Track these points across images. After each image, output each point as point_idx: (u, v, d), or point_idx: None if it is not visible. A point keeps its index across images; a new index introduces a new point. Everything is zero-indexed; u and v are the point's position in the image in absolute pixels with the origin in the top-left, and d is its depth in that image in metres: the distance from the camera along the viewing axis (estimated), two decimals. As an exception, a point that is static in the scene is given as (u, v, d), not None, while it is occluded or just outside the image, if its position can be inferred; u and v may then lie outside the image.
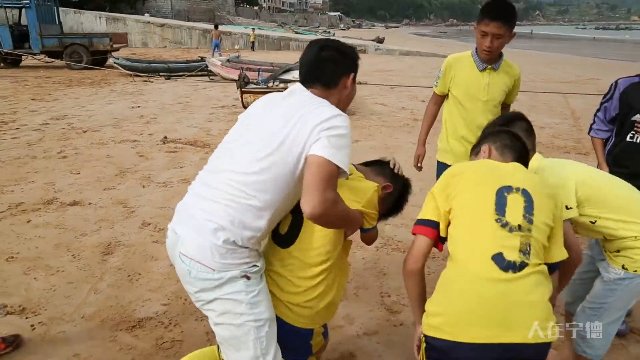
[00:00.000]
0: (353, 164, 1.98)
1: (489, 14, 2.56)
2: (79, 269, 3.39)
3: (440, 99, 3.03)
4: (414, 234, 1.73)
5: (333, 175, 1.51)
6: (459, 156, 2.91)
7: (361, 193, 1.80)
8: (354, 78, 1.80)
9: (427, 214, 1.71)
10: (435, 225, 1.68)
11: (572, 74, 18.92)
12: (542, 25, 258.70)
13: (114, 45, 18.29)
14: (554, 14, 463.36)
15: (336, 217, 1.57)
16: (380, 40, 35.27)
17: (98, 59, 17.72)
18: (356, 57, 1.82)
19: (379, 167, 2.01)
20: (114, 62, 15.81)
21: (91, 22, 32.02)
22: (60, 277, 3.29)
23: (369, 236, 1.90)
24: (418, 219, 1.73)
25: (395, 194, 1.98)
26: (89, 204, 4.62)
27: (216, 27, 23.31)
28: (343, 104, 1.78)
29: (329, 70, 1.73)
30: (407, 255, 1.72)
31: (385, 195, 1.92)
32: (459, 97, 2.84)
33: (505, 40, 2.61)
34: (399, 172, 2.03)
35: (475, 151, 1.93)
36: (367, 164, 2.05)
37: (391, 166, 2.03)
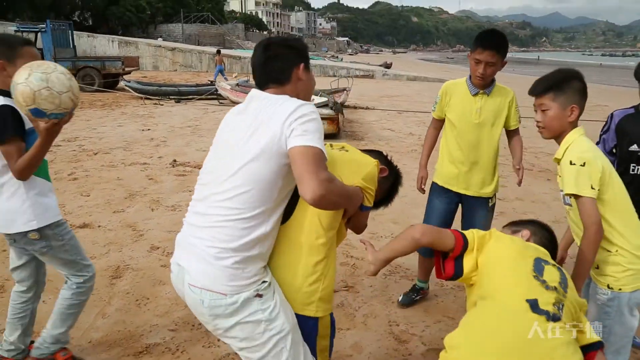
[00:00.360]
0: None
1: (483, 43, 2.74)
2: (87, 293, 3.39)
3: (439, 123, 3.19)
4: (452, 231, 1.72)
5: (319, 157, 1.50)
6: (451, 177, 3.07)
7: (362, 166, 1.79)
8: (306, 67, 1.78)
9: (466, 235, 1.71)
10: (466, 242, 1.66)
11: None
12: (548, 51, 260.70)
13: (126, 69, 18.65)
14: (560, 41, 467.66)
15: (337, 195, 1.55)
16: (387, 66, 35.65)
17: (110, 82, 18.01)
18: (302, 46, 1.81)
19: (374, 154, 1.98)
20: (125, 85, 16.08)
21: (104, 45, 32.66)
22: (69, 300, 3.29)
23: (363, 219, 1.85)
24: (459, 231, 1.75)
25: (390, 181, 1.96)
26: (99, 226, 4.65)
27: (218, 52, 23.62)
28: (302, 96, 1.75)
29: (277, 67, 1.73)
30: (427, 227, 1.71)
31: (380, 180, 1.89)
32: (453, 120, 2.99)
33: (497, 67, 2.79)
34: (392, 162, 2.03)
35: (513, 229, 1.92)
36: (362, 151, 2.03)
37: (385, 154, 2.03)
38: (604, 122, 2.79)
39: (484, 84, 2.87)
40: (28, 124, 2.25)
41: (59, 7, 44.72)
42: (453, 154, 3.02)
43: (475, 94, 2.90)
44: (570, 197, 1.95)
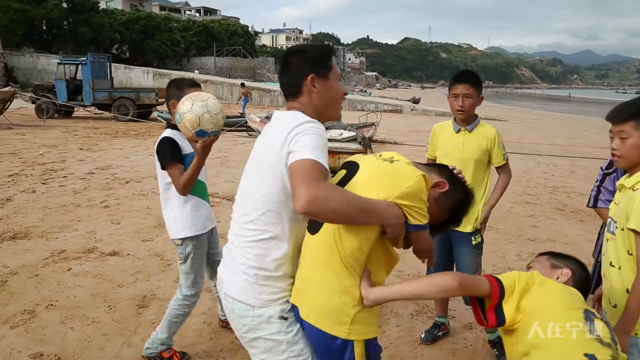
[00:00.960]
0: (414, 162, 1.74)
1: (457, 79, 3.01)
2: (114, 321, 3.43)
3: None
4: (486, 277, 1.60)
5: (311, 167, 1.44)
6: None
7: (401, 180, 1.54)
8: (320, 76, 1.69)
9: (504, 279, 1.59)
10: (502, 288, 1.56)
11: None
12: (580, 88, 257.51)
13: (159, 99, 19.22)
14: (592, 78, 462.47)
15: (335, 202, 1.40)
16: (416, 101, 35.75)
17: (143, 112, 18.58)
18: (317, 54, 1.71)
19: (436, 167, 1.77)
20: (158, 115, 16.55)
21: (139, 77, 33.86)
22: (96, 328, 3.33)
23: (420, 239, 1.60)
24: (496, 277, 1.61)
25: (454, 197, 1.68)
26: (128, 254, 4.72)
27: (242, 85, 24.20)
28: (321, 108, 1.71)
29: (288, 80, 1.72)
30: (464, 276, 1.56)
31: (440, 196, 1.65)
32: (440, 157, 3.16)
33: (474, 100, 2.99)
34: (460, 178, 1.75)
35: (553, 263, 1.85)
36: (424, 164, 1.79)
37: (451, 168, 1.77)
38: (608, 162, 2.76)
39: (465, 118, 3.03)
40: (186, 150, 2.73)
41: (100, 41, 46.68)
42: None
43: (458, 131, 3.08)
44: (622, 229, 1.90)
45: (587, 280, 1.83)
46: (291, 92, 1.71)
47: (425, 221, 1.55)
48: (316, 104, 1.70)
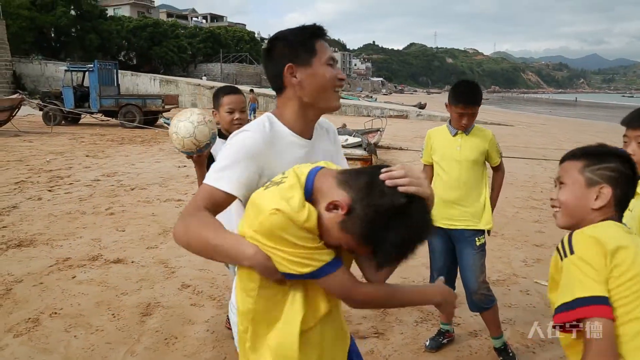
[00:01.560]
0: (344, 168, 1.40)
1: (464, 100, 2.94)
2: (117, 329, 3.42)
3: (429, 169, 3.29)
4: (584, 317, 1.22)
5: (201, 194, 1.35)
6: (442, 216, 3.06)
7: (255, 213, 1.21)
8: (301, 63, 1.42)
9: (592, 289, 1.23)
10: (608, 302, 1.23)
11: (619, 144, 18.45)
12: (586, 93, 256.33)
13: (166, 106, 19.34)
14: (599, 82, 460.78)
15: (192, 238, 1.28)
16: (422, 106, 35.71)
17: (150, 119, 18.69)
18: (295, 36, 1.44)
19: (351, 176, 1.22)
20: (164, 122, 16.66)
21: (146, 83, 34.07)
22: (99, 336, 3.32)
23: (325, 287, 1.26)
24: (580, 298, 1.23)
25: (369, 217, 1.14)
26: (132, 262, 4.72)
27: (251, 91, 24.43)
28: (310, 101, 1.45)
29: (269, 73, 1.49)
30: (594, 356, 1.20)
31: (344, 220, 1.16)
32: (438, 160, 3.16)
33: (476, 114, 3.02)
34: (393, 185, 1.14)
35: (589, 178, 1.45)
36: (345, 172, 1.27)
37: (382, 172, 1.17)
38: None
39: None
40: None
41: (107, 48, 47.11)
42: (440, 193, 3.06)
43: (455, 134, 3.09)
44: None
45: (633, 179, 1.45)
46: (275, 87, 1.49)
47: (304, 270, 1.18)
48: (301, 100, 1.45)
